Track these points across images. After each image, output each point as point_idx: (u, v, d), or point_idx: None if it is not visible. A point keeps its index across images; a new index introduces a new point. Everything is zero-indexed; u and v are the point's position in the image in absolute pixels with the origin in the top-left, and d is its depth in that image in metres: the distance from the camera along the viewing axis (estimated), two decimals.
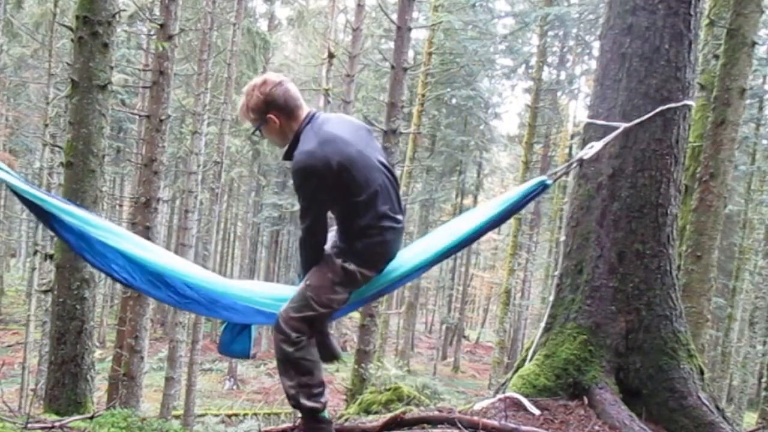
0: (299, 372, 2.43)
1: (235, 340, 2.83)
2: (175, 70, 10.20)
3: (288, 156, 2.47)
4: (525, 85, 26.39)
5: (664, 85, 3.44)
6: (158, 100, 8.38)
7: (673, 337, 3.44)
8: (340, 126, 2.49)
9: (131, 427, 3.02)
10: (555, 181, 3.20)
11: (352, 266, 2.49)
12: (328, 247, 2.58)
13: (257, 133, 2.59)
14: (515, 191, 2.97)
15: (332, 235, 2.66)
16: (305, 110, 2.52)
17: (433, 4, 18.06)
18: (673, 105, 3.41)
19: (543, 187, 2.93)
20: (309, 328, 2.48)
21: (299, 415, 2.63)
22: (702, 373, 3.49)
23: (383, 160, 2.57)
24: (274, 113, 2.47)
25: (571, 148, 23.41)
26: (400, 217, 2.57)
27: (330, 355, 2.87)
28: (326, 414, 2.58)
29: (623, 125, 3.31)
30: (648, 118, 3.39)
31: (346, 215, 2.50)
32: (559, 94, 24.74)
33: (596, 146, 3.16)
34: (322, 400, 2.50)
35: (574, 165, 3.35)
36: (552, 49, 22.74)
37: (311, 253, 2.55)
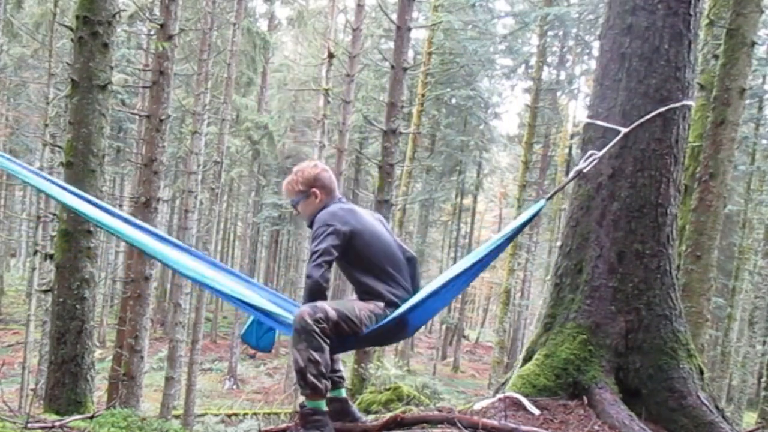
0: (310, 345, 2.55)
1: (261, 338, 3.04)
2: (175, 70, 10.19)
3: (311, 225, 2.87)
4: (525, 85, 26.43)
5: (663, 85, 3.44)
6: (158, 100, 8.38)
7: (673, 336, 3.44)
8: (361, 209, 2.97)
9: (131, 427, 3.02)
10: (552, 197, 3.24)
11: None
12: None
13: (294, 206, 3.01)
14: (517, 221, 3.06)
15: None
16: (338, 195, 2.99)
17: (433, 4, 18.07)
18: (673, 105, 3.41)
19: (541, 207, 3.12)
20: (333, 325, 2.62)
21: (298, 410, 2.73)
22: (702, 372, 3.50)
23: (402, 245, 2.98)
24: (318, 188, 2.93)
25: (570, 148, 23.41)
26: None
27: (352, 419, 3.01)
28: (323, 405, 2.66)
29: (623, 130, 3.31)
30: (647, 119, 3.39)
31: (360, 274, 2.83)
32: (558, 94, 24.75)
33: (595, 157, 3.14)
34: (325, 382, 2.59)
35: (573, 178, 3.31)
36: (552, 49, 22.76)
37: (307, 296, 2.73)
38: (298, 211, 3.02)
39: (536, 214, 3.08)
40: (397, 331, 2.82)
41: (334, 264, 2.78)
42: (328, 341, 2.59)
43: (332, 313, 2.60)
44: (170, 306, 16.39)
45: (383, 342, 3.13)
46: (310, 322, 2.56)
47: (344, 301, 2.76)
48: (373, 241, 2.81)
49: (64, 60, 13.37)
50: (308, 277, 2.67)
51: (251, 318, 3.00)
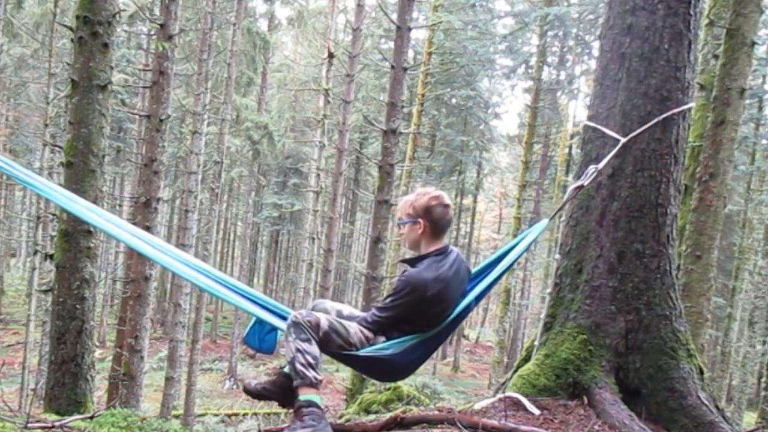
0: (298, 336, 2.67)
1: (264, 339, 3.07)
2: (175, 70, 10.19)
3: (407, 263, 2.88)
4: (525, 85, 26.40)
5: (663, 85, 3.44)
6: (158, 100, 8.38)
7: (673, 336, 3.44)
8: (455, 275, 2.79)
9: (131, 427, 3.03)
10: (554, 216, 3.23)
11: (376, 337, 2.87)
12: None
13: (401, 226, 2.92)
14: (523, 244, 3.03)
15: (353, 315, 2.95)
16: (444, 242, 2.85)
17: (433, 4, 18.07)
18: (674, 111, 3.40)
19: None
20: (323, 334, 2.70)
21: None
22: (702, 372, 3.50)
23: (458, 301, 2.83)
24: (425, 221, 2.80)
25: (570, 148, 23.41)
26: None
27: None
28: (318, 398, 2.69)
29: (622, 140, 3.30)
30: (646, 120, 3.39)
31: (406, 327, 2.80)
32: (558, 94, 24.73)
33: (595, 170, 3.12)
34: (314, 375, 2.66)
35: (574, 195, 3.28)
36: (552, 49, 22.75)
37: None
38: (402, 231, 3.00)
39: (537, 236, 3.08)
40: (383, 367, 2.78)
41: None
42: (315, 336, 2.68)
43: (324, 323, 2.70)
44: (170, 306, 16.39)
45: (376, 375, 3.05)
46: (299, 317, 2.70)
47: (348, 322, 2.81)
48: (432, 311, 2.76)
49: (64, 60, 13.38)
50: (373, 322, 2.78)
51: (253, 320, 3.05)
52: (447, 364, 28.35)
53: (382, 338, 2.79)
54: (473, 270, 2.99)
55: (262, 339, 3.05)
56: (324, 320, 2.71)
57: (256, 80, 25.20)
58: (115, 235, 3.06)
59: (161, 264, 3.07)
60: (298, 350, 2.64)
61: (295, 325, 2.68)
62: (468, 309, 2.87)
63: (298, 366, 2.64)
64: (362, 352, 2.73)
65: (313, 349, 2.66)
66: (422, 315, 2.77)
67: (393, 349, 2.72)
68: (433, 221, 2.79)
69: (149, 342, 11.40)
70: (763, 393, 9.99)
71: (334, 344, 2.71)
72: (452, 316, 2.81)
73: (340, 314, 2.91)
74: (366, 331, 2.80)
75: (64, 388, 5.14)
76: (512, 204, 22.36)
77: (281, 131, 26.74)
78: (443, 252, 2.80)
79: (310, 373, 2.64)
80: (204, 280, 2.99)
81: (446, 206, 2.81)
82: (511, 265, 2.97)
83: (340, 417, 5.17)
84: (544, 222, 3.08)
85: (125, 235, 3.05)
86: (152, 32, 9.71)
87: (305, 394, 2.66)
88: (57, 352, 5.19)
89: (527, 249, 3.05)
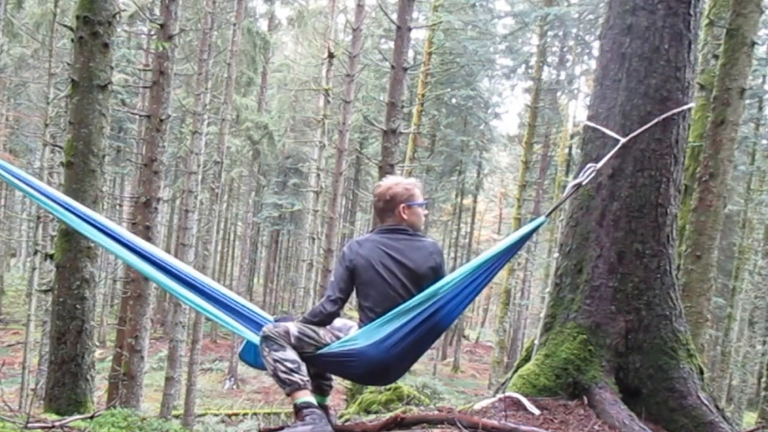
0: (271, 348, 2.73)
1: (259, 354, 3.04)
2: (175, 70, 10.19)
3: None
4: (525, 85, 26.40)
5: (663, 85, 3.44)
6: (158, 100, 8.38)
7: (673, 336, 3.44)
8: (398, 250, 2.83)
9: (131, 427, 3.03)
10: (551, 213, 3.19)
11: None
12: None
13: None
14: (515, 235, 2.98)
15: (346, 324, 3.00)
16: (392, 222, 2.92)
17: (433, 4, 18.07)
18: (674, 111, 3.40)
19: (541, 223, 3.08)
20: (295, 339, 2.76)
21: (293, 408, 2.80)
22: (702, 372, 3.50)
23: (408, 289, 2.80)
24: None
25: (570, 148, 23.39)
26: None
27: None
28: (313, 398, 2.71)
29: (621, 140, 3.30)
30: (646, 120, 3.39)
31: (361, 314, 2.89)
32: (558, 94, 24.73)
33: (594, 169, 3.09)
34: (300, 377, 2.68)
35: (572, 192, 3.21)
36: (552, 49, 22.76)
37: (314, 312, 2.84)
38: None
39: (533, 231, 3.02)
40: (358, 364, 2.73)
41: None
42: (288, 343, 2.73)
43: (293, 329, 2.76)
44: (170, 306, 16.40)
45: (357, 375, 2.94)
46: (267, 330, 2.77)
47: (317, 327, 2.82)
48: (360, 278, 2.81)
49: (64, 60, 13.39)
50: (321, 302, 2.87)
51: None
52: (447, 364, 28.35)
53: (356, 331, 2.81)
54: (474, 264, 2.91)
55: (257, 354, 3.04)
56: (293, 327, 2.76)
57: (256, 80, 25.19)
58: (108, 247, 3.11)
59: (157, 282, 3.13)
60: (275, 361, 2.70)
61: (266, 339, 2.74)
62: (449, 297, 2.78)
63: (282, 375, 2.68)
64: (333, 347, 2.76)
65: (289, 354, 2.71)
66: (360, 283, 2.79)
67: (362, 341, 2.72)
68: (377, 210, 3.02)
69: (149, 342, 11.39)
70: (763, 393, 9.99)
71: (308, 347, 2.76)
72: (419, 302, 2.73)
73: (332, 326, 2.90)
74: (335, 331, 2.85)
75: (64, 388, 5.14)
76: (512, 204, 22.37)
77: (281, 131, 26.74)
78: (389, 228, 2.90)
79: (296, 377, 2.68)
80: (197, 299, 3.05)
81: (377, 198, 2.97)
82: (501, 255, 2.88)
83: (340, 417, 5.17)
84: (541, 218, 3.02)
85: (118, 247, 3.10)
86: (152, 32, 9.71)
87: (300, 398, 2.68)
88: (57, 352, 5.19)
89: (521, 242, 2.95)
